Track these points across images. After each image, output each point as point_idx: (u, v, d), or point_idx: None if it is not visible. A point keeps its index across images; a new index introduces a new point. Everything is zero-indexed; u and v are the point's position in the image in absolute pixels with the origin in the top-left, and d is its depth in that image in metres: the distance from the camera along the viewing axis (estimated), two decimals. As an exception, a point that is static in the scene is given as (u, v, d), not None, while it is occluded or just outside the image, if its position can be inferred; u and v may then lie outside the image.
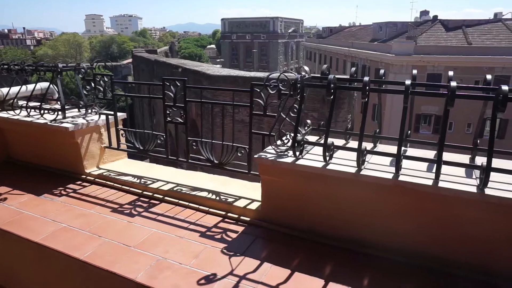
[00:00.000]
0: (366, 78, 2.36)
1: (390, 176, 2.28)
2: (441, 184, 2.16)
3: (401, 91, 2.32)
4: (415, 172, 2.33)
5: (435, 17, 34.37)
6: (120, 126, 3.99)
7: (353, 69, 3.02)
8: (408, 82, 2.27)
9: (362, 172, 2.33)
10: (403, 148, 2.45)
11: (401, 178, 2.25)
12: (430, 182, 2.18)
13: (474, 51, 27.18)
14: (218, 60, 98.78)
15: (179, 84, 3.52)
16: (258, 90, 3.10)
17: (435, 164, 2.21)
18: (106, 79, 3.99)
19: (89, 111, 4.05)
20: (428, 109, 28.17)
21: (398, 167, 2.24)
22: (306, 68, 2.84)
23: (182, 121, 3.69)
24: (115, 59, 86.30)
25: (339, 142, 3.01)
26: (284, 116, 2.72)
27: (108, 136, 3.95)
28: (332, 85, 2.44)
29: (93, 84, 3.97)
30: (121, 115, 4.00)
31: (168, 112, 3.66)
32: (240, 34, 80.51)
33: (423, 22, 35.47)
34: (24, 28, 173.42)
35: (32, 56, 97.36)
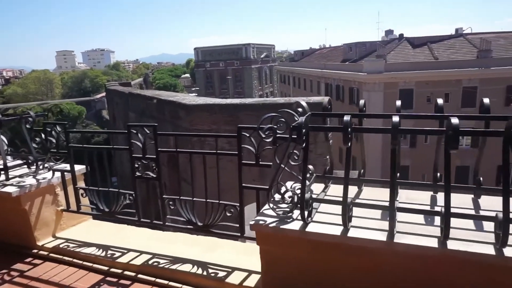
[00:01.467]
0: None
1: (434, 243, 1.72)
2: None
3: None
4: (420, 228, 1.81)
5: (401, 35, 35.55)
6: (81, 183, 3.31)
7: (362, 101, 2.53)
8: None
9: (397, 239, 1.77)
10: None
11: (450, 245, 1.69)
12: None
13: (441, 65, 28.02)
14: (193, 88, 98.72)
15: (148, 131, 2.89)
16: (247, 135, 2.54)
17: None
18: (59, 129, 3.28)
19: (41, 167, 3.34)
20: (404, 124, 28.50)
21: (447, 233, 1.68)
22: (304, 103, 2.32)
23: (154, 175, 3.05)
24: (88, 93, 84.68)
25: (319, 186, 2.60)
26: (283, 166, 2.17)
27: (66, 197, 3.26)
28: (349, 129, 1.93)
29: (43, 135, 3.30)
30: (80, 168, 3.31)
31: (137, 165, 2.98)
32: (213, 62, 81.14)
33: (390, 40, 36.62)
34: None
35: (0, 96, 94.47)
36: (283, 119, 2.12)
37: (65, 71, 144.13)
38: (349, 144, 1.92)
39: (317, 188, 2.56)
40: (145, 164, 2.92)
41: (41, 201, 3.15)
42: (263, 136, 2.19)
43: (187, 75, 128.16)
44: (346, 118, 1.93)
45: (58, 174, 3.26)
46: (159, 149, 2.96)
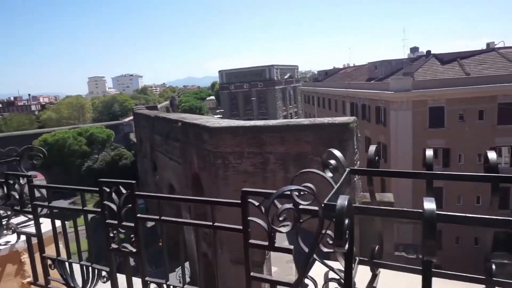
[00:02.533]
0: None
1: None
2: None
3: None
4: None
5: (429, 52, 34.72)
6: (51, 250, 2.70)
7: (372, 148, 2.09)
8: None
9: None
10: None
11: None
12: None
13: (473, 81, 26.96)
14: (218, 111, 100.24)
15: (124, 191, 2.34)
16: (255, 203, 1.93)
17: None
18: (21, 182, 2.76)
19: (4, 228, 2.80)
20: (435, 143, 27.40)
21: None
22: (338, 153, 1.89)
23: (133, 250, 2.45)
24: (117, 117, 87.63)
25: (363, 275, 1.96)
26: (313, 256, 1.67)
27: (32, 267, 2.73)
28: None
29: (6, 188, 2.77)
30: (48, 230, 2.79)
31: (112, 234, 2.48)
32: (237, 84, 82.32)
33: (417, 57, 35.81)
34: (29, 94, 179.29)
35: (37, 121, 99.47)
36: (308, 190, 1.66)
37: (96, 96, 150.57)
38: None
39: (361, 277, 1.94)
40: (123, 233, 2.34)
41: (1, 272, 2.61)
42: (280, 218, 1.69)
43: (212, 97, 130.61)
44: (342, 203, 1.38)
45: (24, 237, 2.74)
46: (138, 215, 2.40)
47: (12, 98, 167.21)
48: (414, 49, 41.23)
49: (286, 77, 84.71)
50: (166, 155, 28.72)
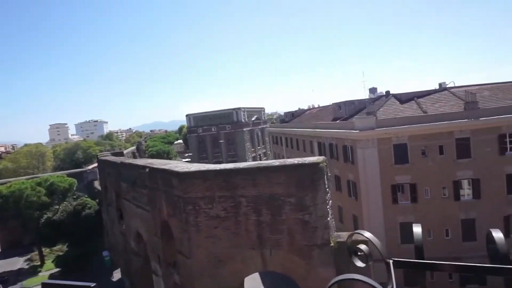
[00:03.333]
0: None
1: None
2: None
3: None
4: None
5: (388, 92, 36.75)
6: None
7: (418, 230, 1.88)
8: None
9: None
10: None
11: None
12: None
13: (431, 119, 28.52)
14: (187, 154, 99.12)
15: None
16: None
17: None
18: None
19: None
20: (402, 179, 28.16)
21: None
22: (369, 235, 1.70)
23: None
24: (80, 165, 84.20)
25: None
26: None
27: None
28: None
29: None
30: None
31: None
32: (205, 127, 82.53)
33: (377, 97, 37.73)
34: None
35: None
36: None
37: (58, 144, 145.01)
38: None
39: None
40: None
41: None
42: None
43: (180, 141, 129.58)
44: None
45: None
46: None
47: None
48: (373, 90, 43.54)
49: (253, 119, 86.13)
50: (133, 202, 27.45)
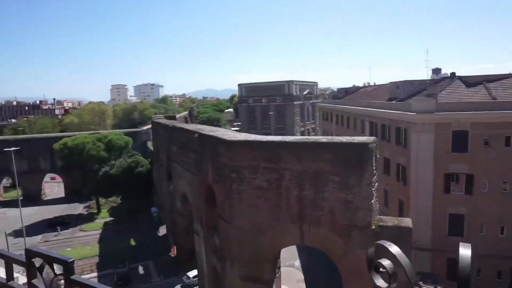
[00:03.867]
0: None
1: None
2: None
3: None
4: None
5: (453, 73, 33.92)
6: None
7: (466, 255, 1.50)
8: None
9: None
10: None
11: None
12: None
13: (500, 106, 26.05)
14: (236, 123, 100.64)
15: (57, 272, 1.94)
16: None
17: None
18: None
19: None
20: (458, 168, 26.44)
21: None
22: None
23: None
24: (136, 125, 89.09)
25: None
26: None
27: None
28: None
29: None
30: None
31: None
32: (256, 97, 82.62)
33: (440, 79, 35.08)
34: (54, 99, 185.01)
35: (59, 124, 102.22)
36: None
37: (118, 104, 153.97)
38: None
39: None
40: None
41: None
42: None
43: (231, 109, 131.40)
44: None
45: None
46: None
47: (38, 102, 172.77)
48: (436, 71, 40.53)
49: (305, 93, 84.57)
50: (181, 165, 28.71)
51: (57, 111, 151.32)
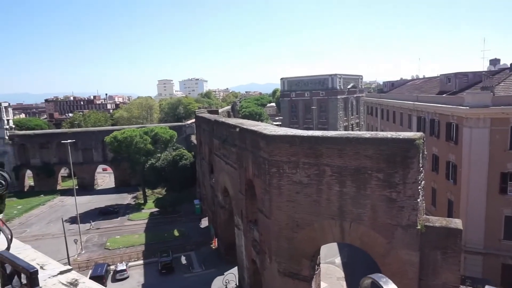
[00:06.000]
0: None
1: None
2: None
3: None
4: None
5: (513, 65, 31.21)
6: None
7: None
8: None
9: None
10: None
11: None
12: None
13: None
14: (278, 118, 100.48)
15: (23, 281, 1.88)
16: None
17: None
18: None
19: None
20: (516, 167, 24.40)
21: None
22: None
23: None
24: (181, 119, 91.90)
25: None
26: None
27: None
28: None
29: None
30: None
31: None
32: (299, 92, 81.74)
33: (498, 70, 32.38)
34: (106, 94, 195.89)
35: (111, 118, 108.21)
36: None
37: (164, 98, 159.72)
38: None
39: None
40: None
41: None
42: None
43: (273, 104, 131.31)
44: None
45: None
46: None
47: (92, 97, 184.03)
48: (494, 61, 37.38)
49: (349, 86, 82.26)
50: (223, 159, 29.20)
51: (108, 106, 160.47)
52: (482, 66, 41.34)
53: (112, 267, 35.09)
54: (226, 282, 26.46)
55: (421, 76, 55.81)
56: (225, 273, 29.24)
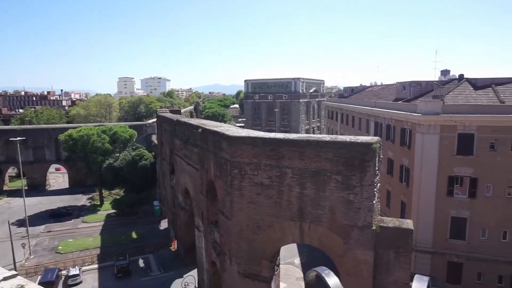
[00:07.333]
0: None
1: None
2: None
3: None
4: None
5: (462, 75, 33.49)
6: None
7: None
8: None
9: None
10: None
11: None
12: None
13: (508, 109, 25.69)
14: (241, 119, 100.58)
15: None
16: None
17: None
18: None
19: None
20: (462, 171, 26.17)
21: None
22: None
23: None
24: (142, 118, 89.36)
25: None
26: None
27: None
28: None
29: None
30: None
31: None
32: (262, 94, 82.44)
33: (448, 81, 34.60)
34: (61, 90, 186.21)
35: (66, 115, 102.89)
36: None
37: (124, 96, 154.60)
38: None
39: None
40: None
41: None
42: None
43: (236, 105, 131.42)
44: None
45: None
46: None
47: (45, 93, 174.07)
48: (445, 72, 39.91)
49: (311, 90, 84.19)
50: (184, 159, 28.74)
51: (64, 102, 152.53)
52: (434, 75, 43.92)
53: (64, 272, 33.33)
54: (185, 285, 26.01)
55: (379, 83, 58.30)
56: (184, 276, 28.72)
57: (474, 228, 26.10)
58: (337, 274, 13.83)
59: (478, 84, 30.59)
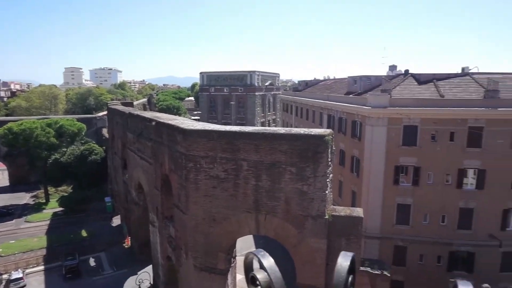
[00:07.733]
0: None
1: None
2: None
3: None
4: None
5: (407, 71, 35.47)
6: None
7: None
8: None
9: None
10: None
11: None
12: None
13: (447, 103, 27.66)
14: (196, 112, 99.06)
15: None
16: None
17: None
18: None
19: None
20: (407, 161, 27.85)
21: None
22: None
23: None
24: (91, 111, 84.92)
25: None
26: None
27: None
28: None
29: None
30: None
31: None
32: (218, 87, 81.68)
33: (395, 75, 36.51)
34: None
35: (5, 107, 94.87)
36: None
37: (71, 88, 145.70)
38: None
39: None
40: None
41: None
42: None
43: (191, 98, 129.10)
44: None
45: None
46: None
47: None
48: (392, 67, 42.07)
49: (267, 84, 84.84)
50: (137, 153, 27.80)
51: (2, 93, 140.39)
52: (383, 70, 46.15)
53: (5, 276, 31.09)
54: (139, 282, 25.37)
55: (332, 77, 60.13)
56: (139, 273, 28.00)
57: (417, 214, 27.95)
58: (292, 263, 14.03)
59: (421, 79, 32.58)
